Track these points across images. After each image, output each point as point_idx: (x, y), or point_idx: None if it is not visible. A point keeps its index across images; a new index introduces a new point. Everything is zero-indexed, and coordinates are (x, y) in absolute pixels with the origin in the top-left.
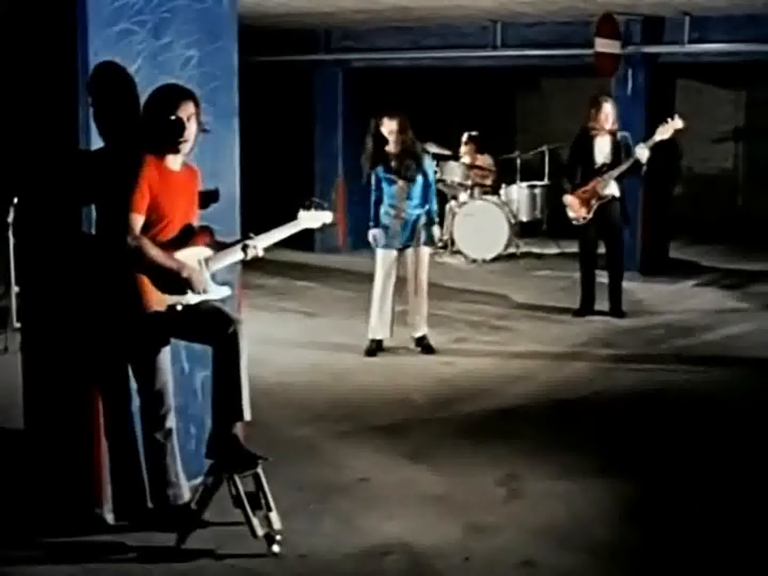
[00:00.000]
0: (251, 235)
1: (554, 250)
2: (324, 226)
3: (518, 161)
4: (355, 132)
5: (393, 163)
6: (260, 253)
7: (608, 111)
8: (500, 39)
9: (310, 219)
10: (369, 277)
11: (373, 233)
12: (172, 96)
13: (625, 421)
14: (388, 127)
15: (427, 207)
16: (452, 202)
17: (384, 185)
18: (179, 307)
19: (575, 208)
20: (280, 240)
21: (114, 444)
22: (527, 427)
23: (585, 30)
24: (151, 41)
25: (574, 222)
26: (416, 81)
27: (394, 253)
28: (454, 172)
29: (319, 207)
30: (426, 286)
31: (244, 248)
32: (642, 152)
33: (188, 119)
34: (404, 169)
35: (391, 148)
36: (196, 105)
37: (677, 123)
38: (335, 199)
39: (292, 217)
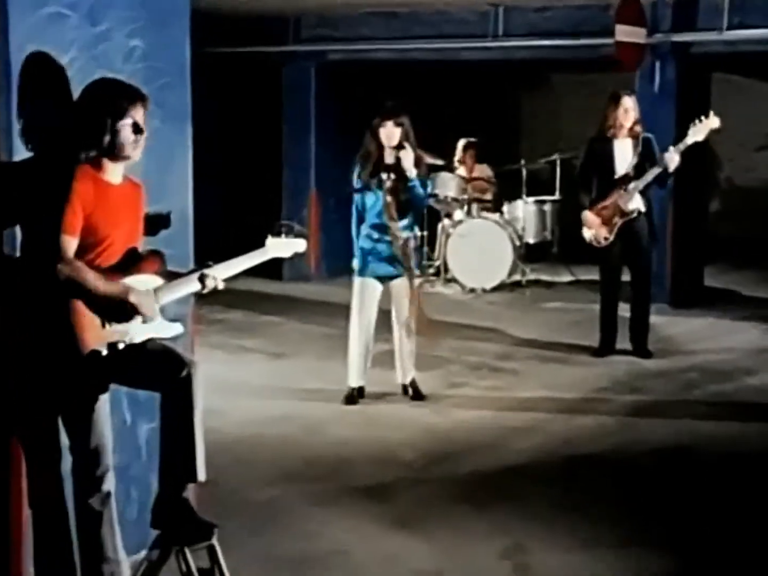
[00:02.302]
0: (209, 263)
1: (567, 278)
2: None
3: (524, 172)
4: (331, 137)
5: (385, 176)
6: (220, 285)
7: (629, 106)
8: (502, 27)
9: (280, 247)
10: (347, 310)
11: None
12: (113, 94)
13: (652, 482)
14: (391, 135)
15: (416, 228)
16: (445, 221)
17: (368, 199)
18: (121, 346)
19: (595, 228)
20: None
21: (39, 512)
22: (535, 488)
23: (603, 15)
24: (87, 28)
25: (594, 244)
26: (403, 77)
27: (376, 282)
28: (447, 186)
29: (290, 232)
30: (415, 322)
31: (202, 278)
32: (670, 158)
33: (135, 122)
34: (399, 187)
35: (387, 158)
36: (144, 105)
37: (713, 122)
38: (307, 216)
39: (257, 239)
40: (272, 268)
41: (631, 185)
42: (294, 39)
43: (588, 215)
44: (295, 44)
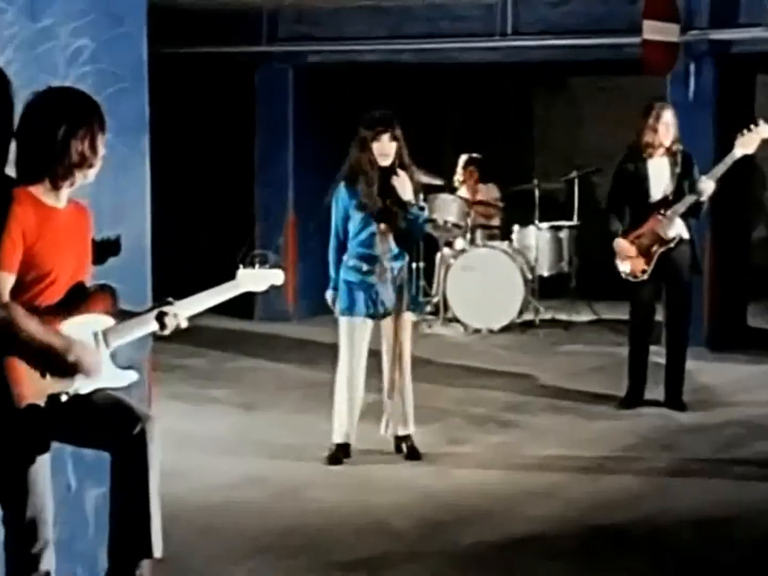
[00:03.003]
0: (169, 299)
1: (588, 317)
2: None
3: (537, 193)
4: (312, 152)
5: (376, 197)
6: (183, 324)
7: (668, 121)
8: (511, 23)
9: (253, 279)
10: (330, 354)
11: (332, 296)
12: (64, 105)
13: (688, 560)
14: (386, 151)
15: (407, 258)
16: (445, 251)
17: (353, 225)
18: (64, 398)
19: (632, 258)
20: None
21: None
22: (549, 565)
23: (629, 10)
24: (26, 23)
25: (629, 278)
26: (395, 82)
27: (366, 322)
28: (447, 209)
29: (265, 262)
30: (410, 367)
31: (160, 317)
32: (704, 187)
33: (89, 138)
34: (391, 212)
35: (379, 177)
36: (100, 117)
37: (764, 130)
38: (284, 244)
39: (226, 270)
40: (243, 305)
41: (671, 210)
42: (268, 38)
43: (622, 244)
44: (269, 44)
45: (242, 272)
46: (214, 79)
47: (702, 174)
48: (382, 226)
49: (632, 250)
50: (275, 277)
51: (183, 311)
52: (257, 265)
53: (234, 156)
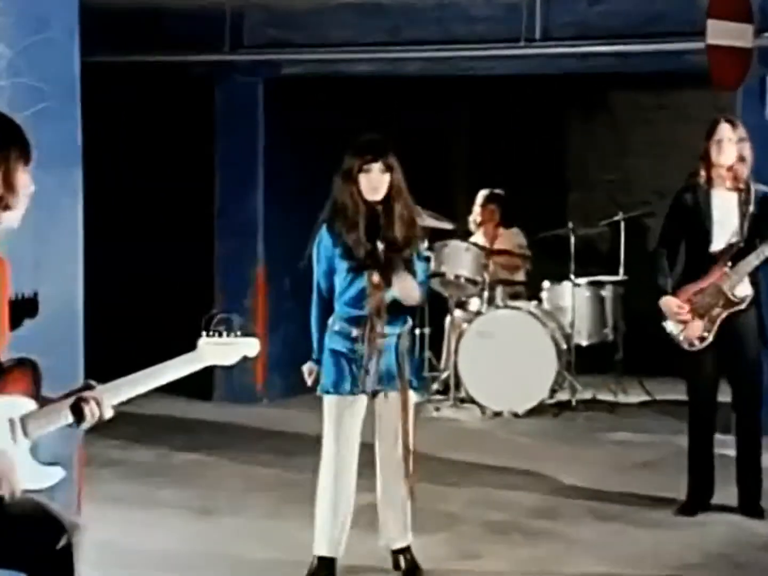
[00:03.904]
0: (90, 382)
1: (638, 397)
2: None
3: (572, 240)
4: (287, 188)
5: (364, 242)
6: (106, 414)
7: (725, 136)
8: (540, 26)
9: (220, 350)
10: (311, 445)
11: (311, 369)
12: None
13: None
14: (377, 184)
15: (410, 322)
16: (457, 313)
17: (339, 279)
18: None
19: (686, 322)
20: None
21: None
22: None
23: (689, 7)
24: None
25: (683, 346)
26: (394, 100)
27: (357, 403)
28: (459, 260)
29: (230, 330)
30: (411, 460)
31: (77, 406)
32: None
33: (8, 170)
34: (387, 258)
35: (371, 217)
36: (21, 145)
37: None
38: (252, 305)
39: (181, 338)
40: (200, 383)
41: (742, 261)
42: (232, 44)
43: (671, 303)
44: (233, 52)
45: (205, 341)
46: (162, 96)
47: None
48: (375, 278)
49: (686, 311)
50: (248, 346)
51: (110, 397)
52: (225, 332)
53: (188, 195)
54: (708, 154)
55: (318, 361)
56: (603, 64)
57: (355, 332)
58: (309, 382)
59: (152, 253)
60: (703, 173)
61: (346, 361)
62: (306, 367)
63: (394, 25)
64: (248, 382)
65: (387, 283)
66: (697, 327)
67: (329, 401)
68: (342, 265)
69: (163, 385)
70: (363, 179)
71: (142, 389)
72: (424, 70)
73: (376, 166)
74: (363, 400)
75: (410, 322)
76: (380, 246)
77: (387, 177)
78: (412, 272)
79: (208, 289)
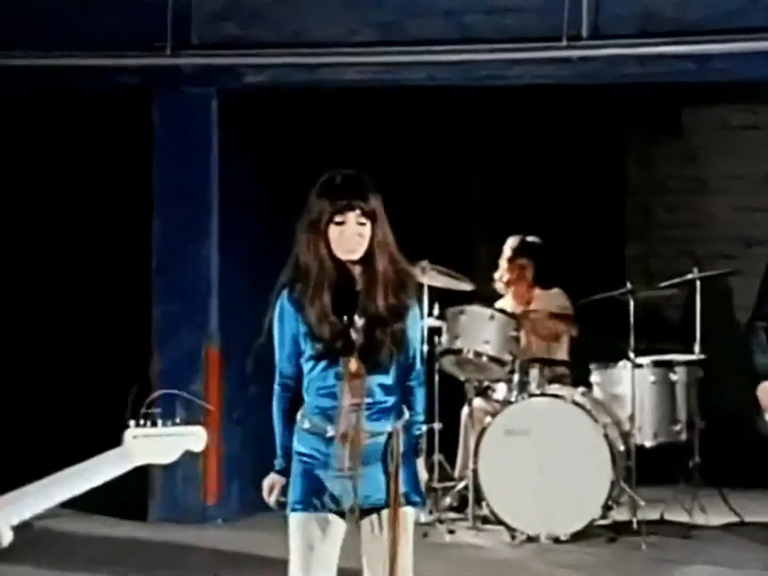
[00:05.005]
0: None
1: (722, 517)
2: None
3: (631, 305)
4: (248, 235)
5: (331, 317)
6: (5, 539)
7: None
8: (588, 21)
9: (153, 445)
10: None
11: (272, 480)
12: None
13: None
14: (348, 241)
15: (407, 415)
16: (477, 403)
17: (307, 362)
18: None
19: None
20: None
21: None
22: None
23: None
24: None
25: None
26: (390, 118)
27: (334, 523)
28: (481, 332)
29: (168, 416)
30: None
31: None
32: None
33: None
34: (368, 338)
35: (343, 280)
36: None
37: None
38: (201, 393)
39: (105, 431)
40: (129, 497)
41: None
42: (176, 43)
43: None
44: (176, 54)
45: (133, 433)
46: (80, 115)
47: None
48: (353, 364)
49: None
50: (192, 438)
51: (11, 513)
52: (159, 421)
53: (117, 244)
54: None
55: (283, 472)
56: (674, 71)
57: (330, 431)
58: (271, 501)
59: (72, 325)
60: None
61: (318, 470)
62: (267, 481)
63: (392, 22)
64: (194, 496)
65: (370, 368)
66: None
67: (297, 521)
68: (310, 346)
69: (80, 496)
70: (334, 232)
71: (51, 502)
72: (431, 79)
73: (352, 216)
74: (339, 520)
75: (406, 414)
76: (359, 322)
77: (367, 230)
78: (405, 351)
79: (142, 369)
